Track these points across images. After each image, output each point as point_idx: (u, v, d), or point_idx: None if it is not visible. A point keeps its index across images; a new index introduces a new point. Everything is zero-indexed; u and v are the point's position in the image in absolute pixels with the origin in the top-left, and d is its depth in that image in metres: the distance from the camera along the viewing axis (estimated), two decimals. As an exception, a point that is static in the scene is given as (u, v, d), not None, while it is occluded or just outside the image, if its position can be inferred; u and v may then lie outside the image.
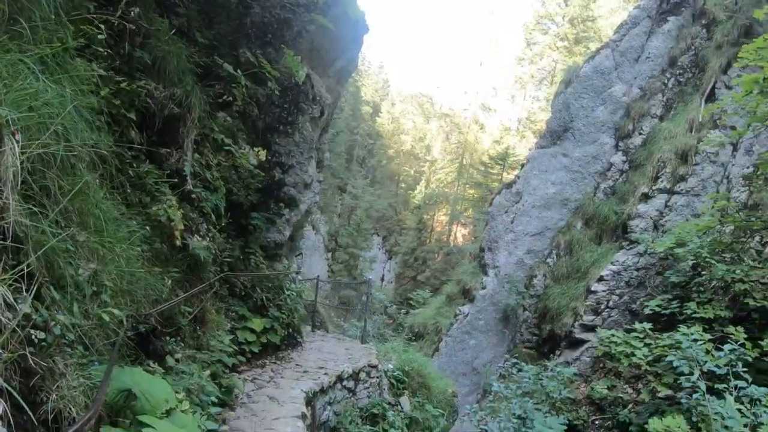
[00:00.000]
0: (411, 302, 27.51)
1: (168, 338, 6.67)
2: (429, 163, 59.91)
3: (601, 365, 16.19)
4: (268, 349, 10.62)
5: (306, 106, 11.09)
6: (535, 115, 49.12)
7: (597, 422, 14.74)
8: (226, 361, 7.73)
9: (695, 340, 9.84)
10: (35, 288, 3.46)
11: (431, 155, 62.44)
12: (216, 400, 6.68)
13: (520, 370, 12.49)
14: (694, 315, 12.61)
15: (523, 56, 57.13)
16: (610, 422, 14.47)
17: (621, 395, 14.70)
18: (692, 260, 13.94)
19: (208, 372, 6.89)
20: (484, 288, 18.21)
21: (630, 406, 14.23)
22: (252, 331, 10.04)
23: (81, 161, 4.79)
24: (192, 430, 4.34)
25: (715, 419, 8.69)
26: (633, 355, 12.37)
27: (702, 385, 8.94)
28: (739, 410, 8.56)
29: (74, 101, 4.28)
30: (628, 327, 13.56)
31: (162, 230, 7.04)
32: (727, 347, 9.24)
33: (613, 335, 13.05)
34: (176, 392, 5.37)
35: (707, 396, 8.99)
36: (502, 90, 61.25)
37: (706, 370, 9.30)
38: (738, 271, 12.69)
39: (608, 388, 15.02)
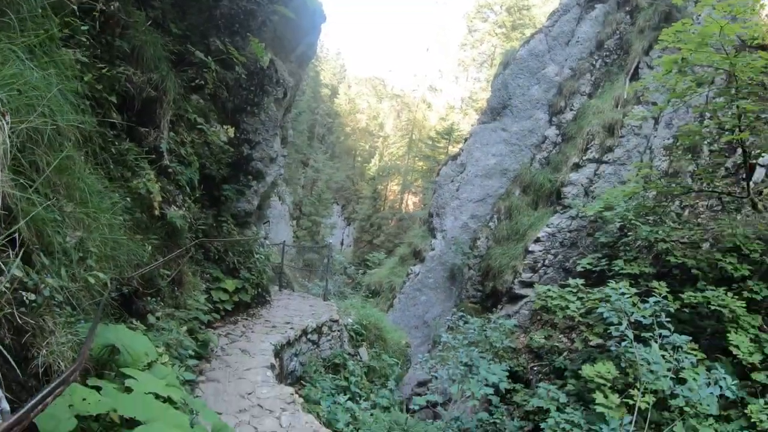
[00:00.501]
0: (368, 263, 27.83)
1: (149, 299, 6.72)
2: (382, 139, 60.10)
3: (539, 318, 16.72)
4: (240, 307, 10.72)
5: (270, 88, 11.17)
6: (477, 95, 49.59)
7: (535, 368, 15.28)
8: (201, 318, 7.82)
9: (623, 294, 10.14)
10: (23, 253, 3.55)
11: (384, 132, 62.65)
12: (193, 354, 6.80)
13: (466, 322, 12.84)
14: (621, 271, 13.07)
15: (466, 42, 57.67)
16: (547, 368, 15.00)
17: (557, 344, 15.23)
18: (619, 222, 14.40)
19: (185, 328, 6.99)
20: (433, 249, 18.53)
21: (565, 353, 14.78)
22: (225, 291, 10.12)
23: (67, 140, 4.81)
24: (171, 380, 4.43)
25: (641, 364, 9.08)
26: (567, 308, 12.78)
27: (630, 333, 9.26)
28: (663, 356, 8.97)
29: (59, 85, 4.34)
30: (563, 283, 14.00)
31: (142, 202, 7.11)
32: (651, 300, 9.56)
33: (549, 290, 13.44)
34: (156, 347, 5.45)
35: (634, 344, 9.34)
36: (447, 72, 61.82)
37: (633, 321, 9.57)
38: (660, 232, 13.15)
39: (545, 338, 15.55)
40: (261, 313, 11.31)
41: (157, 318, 6.72)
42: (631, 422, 8.73)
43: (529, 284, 16.87)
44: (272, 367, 8.18)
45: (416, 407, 10.92)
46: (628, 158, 17.11)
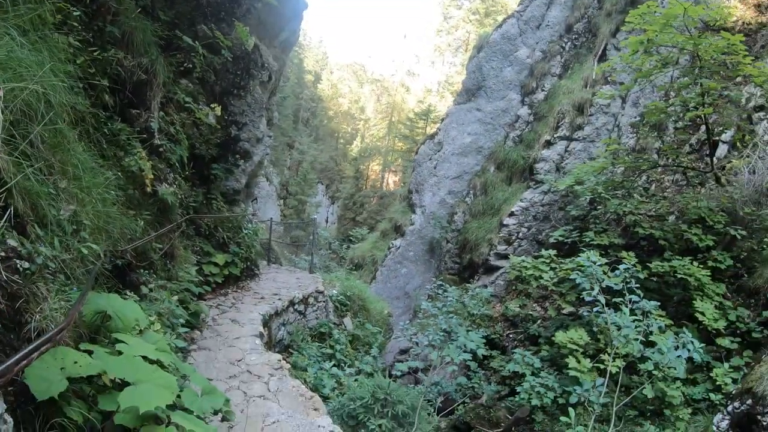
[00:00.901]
0: (351, 239, 27.76)
1: (142, 271, 6.60)
2: (363, 122, 59.76)
3: (514, 288, 16.78)
4: (230, 280, 10.60)
5: (256, 72, 11.02)
6: (453, 78, 49.44)
7: (511, 335, 15.37)
8: (193, 290, 7.70)
9: (594, 262, 10.18)
10: (18, 225, 3.52)
11: (365, 115, 62.31)
12: (184, 323, 6.69)
13: (445, 291, 12.82)
14: (591, 242, 13.11)
15: (441, 28, 57.67)
16: (522, 335, 15.10)
17: (531, 312, 15.31)
18: (589, 196, 14.43)
19: (176, 299, 6.86)
20: (412, 224, 18.48)
21: (539, 321, 14.88)
22: (216, 264, 9.99)
23: (60, 119, 4.78)
24: (162, 346, 4.33)
25: (612, 329, 9.13)
26: (541, 277, 12.82)
27: (601, 298, 9.27)
28: (633, 321, 9.00)
29: (52, 67, 4.38)
30: (536, 254, 14.04)
31: (134, 179, 7.01)
32: (621, 266, 9.56)
33: (523, 261, 13.47)
34: (149, 316, 5.36)
35: (606, 309, 9.38)
36: (424, 58, 61.72)
37: (604, 287, 9.60)
38: (628, 205, 13.22)
39: (520, 307, 15.62)
40: (250, 286, 11.21)
41: (150, 289, 6.60)
42: (603, 384, 8.76)
43: (504, 256, 16.92)
44: (261, 335, 8.10)
45: (398, 373, 11.00)
46: (597, 136, 17.12)
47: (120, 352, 3.55)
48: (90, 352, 3.57)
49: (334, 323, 12.70)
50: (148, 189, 7.17)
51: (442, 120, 20.40)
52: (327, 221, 44.33)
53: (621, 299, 9.25)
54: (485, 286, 17.16)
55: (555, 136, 17.41)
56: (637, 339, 8.67)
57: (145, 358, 3.62)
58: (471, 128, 19.02)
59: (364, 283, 17.81)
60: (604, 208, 14.11)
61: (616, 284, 9.49)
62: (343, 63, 77.14)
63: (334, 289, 13.65)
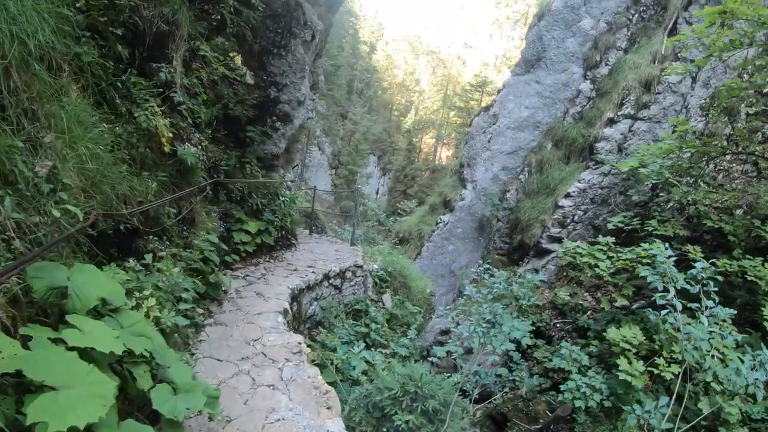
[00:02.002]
0: (399, 211, 26.82)
1: (151, 237, 5.87)
2: (418, 94, 58.03)
3: (565, 274, 15.58)
4: (262, 249, 9.89)
5: (298, 30, 10.14)
6: (510, 52, 47.09)
7: (558, 325, 14.24)
8: (213, 259, 6.94)
9: (669, 257, 8.82)
10: None
11: (420, 87, 60.59)
12: (196, 296, 5.95)
13: (491, 275, 11.74)
14: (654, 232, 11.81)
15: (500, 0, 54.91)
16: (570, 326, 13.98)
17: (581, 302, 14.15)
18: (654, 181, 12.98)
19: (177, 269, 6.08)
20: (462, 200, 17.35)
21: (589, 312, 13.72)
22: (247, 232, 9.27)
23: (50, 66, 4.57)
24: (141, 329, 3.55)
25: (682, 339, 7.92)
26: (596, 266, 11.57)
27: (678, 304, 7.95)
28: (711, 332, 7.77)
29: (37, 7, 4.10)
30: (592, 240, 12.75)
31: (150, 137, 6.25)
32: (699, 265, 8.13)
33: (578, 247, 12.23)
34: (143, 289, 4.60)
35: (678, 314, 8.15)
36: (482, 30, 59.14)
37: (679, 288, 8.30)
38: (695, 194, 11.86)
39: (570, 295, 14.48)
40: (284, 256, 10.47)
41: (160, 258, 5.87)
42: (667, 405, 7.55)
43: (558, 239, 15.67)
44: (285, 312, 7.32)
45: (435, 359, 10.07)
46: (664, 116, 15.54)
47: (58, 342, 2.75)
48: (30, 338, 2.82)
49: (372, 300, 11.89)
50: (166, 148, 6.42)
51: (499, 92, 18.98)
52: (377, 193, 43.44)
53: (697, 305, 7.93)
54: (535, 271, 15.98)
55: (619, 114, 15.86)
56: (710, 353, 7.42)
57: (83, 351, 2.79)
58: (529, 101, 17.58)
59: (409, 258, 16.92)
60: (668, 195, 12.71)
61: (692, 285, 8.09)
62: (399, 34, 75.06)
63: (374, 264, 12.81)
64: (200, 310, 6.23)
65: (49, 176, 4.10)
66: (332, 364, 8.05)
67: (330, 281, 10.22)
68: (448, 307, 16.56)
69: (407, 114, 54.85)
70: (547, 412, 12.03)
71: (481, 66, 51.50)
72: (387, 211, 32.38)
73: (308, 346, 8.65)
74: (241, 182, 9.04)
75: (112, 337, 3.09)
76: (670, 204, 13.13)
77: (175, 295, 5.28)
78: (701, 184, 12.69)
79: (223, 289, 7.27)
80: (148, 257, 5.41)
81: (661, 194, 13.38)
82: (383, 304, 12.07)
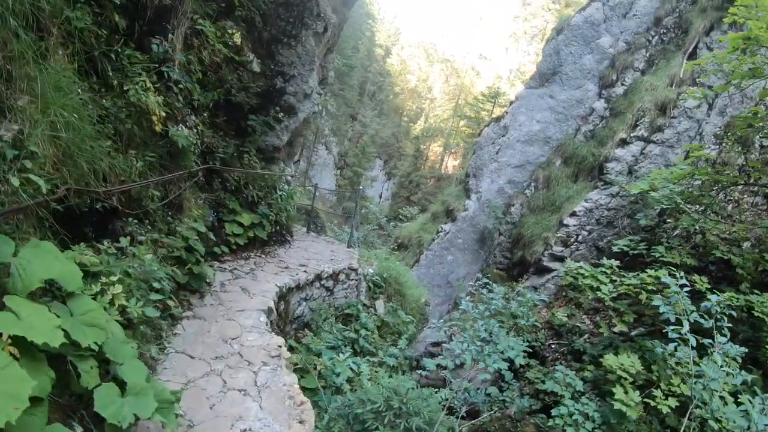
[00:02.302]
0: (401, 217, 26.35)
1: (131, 220, 5.46)
2: (429, 101, 57.50)
3: (564, 294, 15.11)
4: (254, 243, 9.48)
5: (310, 21, 9.77)
6: (525, 67, 46.58)
7: (553, 346, 13.77)
8: (198, 248, 6.52)
9: (682, 286, 8.28)
10: None
11: (432, 94, 60.07)
12: (168, 287, 5.51)
13: (490, 291, 11.26)
14: (660, 258, 11.34)
15: (518, 14, 54.99)
16: (565, 348, 13.52)
17: (578, 325, 13.69)
18: (664, 206, 12.51)
19: (152, 255, 5.67)
20: (465, 210, 16.88)
21: (586, 336, 13.28)
22: (240, 224, 8.86)
23: (35, 26, 4.29)
24: (94, 318, 3.13)
25: (697, 380, 7.43)
26: (599, 289, 11.10)
27: (692, 340, 7.42)
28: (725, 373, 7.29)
29: None
30: (596, 262, 12.29)
31: (141, 115, 5.84)
32: (714, 298, 7.63)
33: (581, 267, 11.74)
34: (111, 275, 4.19)
35: (688, 350, 7.65)
36: (498, 43, 58.80)
37: (692, 321, 7.74)
38: (703, 223, 11.44)
39: (568, 317, 14.03)
40: (277, 252, 10.05)
41: (139, 242, 5.46)
42: None
43: (560, 258, 15.22)
44: (269, 311, 6.90)
45: (423, 371, 9.61)
46: (678, 141, 15.15)
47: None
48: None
49: (364, 305, 11.46)
50: (157, 127, 6.02)
51: (511, 103, 18.53)
52: (381, 197, 42.95)
53: (709, 340, 7.42)
54: (534, 288, 15.53)
55: (632, 135, 15.44)
56: (718, 393, 6.96)
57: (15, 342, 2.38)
58: (541, 116, 17.13)
59: (406, 265, 16.47)
60: (675, 221, 12.28)
61: (705, 319, 7.59)
62: (415, 40, 74.31)
63: (370, 268, 12.37)
64: (173, 303, 5.79)
65: (14, 141, 3.71)
66: (315, 369, 7.61)
67: (322, 282, 9.79)
68: (441, 319, 16.14)
69: (417, 120, 54.42)
70: (530, 437, 11.58)
71: (494, 78, 50.95)
72: (389, 215, 31.96)
73: (291, 348, 8.23)
74: (237, 171, 8.64)
75: (52, 326, 2.67)
76: (677, 231, 12.71)
77: (148, 284, 4.86)
78: (710, 213, 12.26)
79: (207, 281, 6.85)
80: (125, 241, 5.00)
81: (668, 220, 12.95)
82: (375, 310, 11.63)
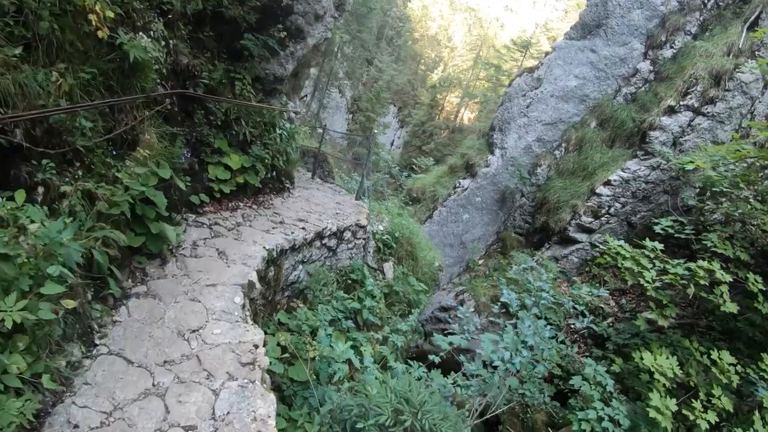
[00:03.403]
0: (414, 167, 24.27)
1: (46, 163, 3.59)
2: (449, 50, 53.86)
3: (587, 269, 13.37)
4: (245, 190, 7.61)
5: None
6: (552, 24, 43.03)
7: (572, 326, 12.15)
8: (158, 200, 4.68)
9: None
10: None
11: (452, 43, 56.21)
12: (59, 272, 3.69)
13: (539, 276, 9.13)
14: (713, 248, 9.47)
15: (551, -38, 50.34)
16: (585, 330, 11.88)
17: (602, 306, 12.02)
18: (726, 189, 10.50)
19: (67, 217, 3.85)
20: (487, 166, 14.86)
21: (610, 320, 11.63)
22: (227, 167, 6.98)
23: None
24: None
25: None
26: (641, 275, 9.28)
27: None
28: None
29: None
30: (636, 242, 10.39)
31: (76, 13, 3.89)
32: None
33: (621, 247, 9.86)
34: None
35: None
36: (526, -7, 54.89)
37: None
38: (763, 215, 9.61)
39: (592, 296, 12.34)
40: (272, 203, 8.20)
41: (62, 195, 3.62)
42: None
43: (588, 230, 13.39)
44: (249, 287, 5.11)
45: (437, 358, 7.79)
46: (729, 117, 13.13)
47: None
48: None
49: (371, 268, 9.72)
50: (100, 33, 4.06)
51: (547, 54, 16.16)
52: (392, 144, 40.61)
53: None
54: (555, 259, 13.76)
55: (681, 103, 13.30)
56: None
57: None
58: (579, 71, 14.84)
59: (418, 221, 14.65)
60: (717, 205, 10.42)
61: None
62: (439, -15, 69.78)
63: (380, 224, 10.56)
64: (114, 281, 4.00)
65: None
66: (308, 356, 5.89)
67: (323, 241, 8.00)
68: (451, 282, 14.45)
69: (435, 69, 51.26)
70: (547, 426, 10.06)
71: (519, 32, 47.43)
72: (399, 164, 29.89)
73: (281, 323, 6.52)
74: (224, 102, 6.66)
75: None
76: (715, 215, 10.94)
77: (48, 261, 3.04)
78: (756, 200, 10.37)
79: (169, 246, 5.03)
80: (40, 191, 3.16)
81: (708, 203, 11.12)
82: (383, 275, 9.90)
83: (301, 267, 7.39)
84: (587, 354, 11.77)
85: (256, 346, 4.12)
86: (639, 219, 13.36)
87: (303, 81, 10.05)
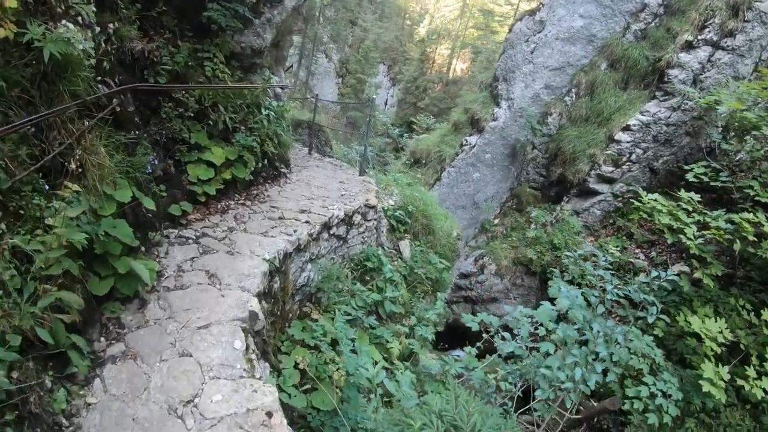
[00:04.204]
0: (414, 126, 22.82)
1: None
2: (435, 1, 51.36)
3: (611, 221, 12.27)
4: (235, 186, 6.47)
5: None
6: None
7: (603, 287, 11.13)
8: (121, 233, 3.57)
9: None
10: None
11: (437, -7, 53.83)
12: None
13: (607, 264, 7.79)
14: (754, 197, 8.36)
15: None
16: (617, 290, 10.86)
17: (632, 260, 10.95)
18: (762, 132, 9.33)
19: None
20: (495, 120, 13.55)
21: (641, 276, 10.61)
22: (209, 164, 5.82)
23: None
24: None
25: None
26: (681, 231, 8.19)
27: None
28: None
29: None
30: (673, 194, 9.26)
31: None
32: None
33: (656, 200, 8.73)
34: None
35: None
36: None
37: None
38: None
39: (619, 250, 11.28)
40: (268, 194, 7.05)
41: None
42: None
43: (609, 180, 12.25)
44: (251, 320, 4.03)
45: (473, 349, 6.76)
46: (749, 50, 11.80)
47: None
48: None
49: (388, 249, 8.66)
50: (3, 32, 2.86)
51: (547, -7, 14.60)
52: (386, 104, 38.86)
53: None
54: (575, 213, 12.67)
55: (699, 38, 11.91)
56: None
57: None
58: (584, 9, 13.26)
59: (426, 184, 13.51)
60: (740, 143, 9.35)
61: None
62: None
63: (390, 199, 9.45)
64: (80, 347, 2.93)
65: None
66: (331, 379, 4.90)
67: (332, 232, 6.90)
68: (467, 245, 13.40)
69: (421, 23, 48.70)
70: (589, 400, 9.16)
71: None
72: (395, 123, 28.44)
73: (289, 341, 5.49)
74: (188, 89, 5.44)
75: None
76: (740, 155, 9.91)
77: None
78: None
79: (143, 288, 3.92)
80: None
81: (731, 142, 10.06)
82: (400, 254, 8.85)
83: (309, 266, 6.32)
84: (622, 315, 10.82)
85: (270, 414, 3.07)
86: (661, 164, 12.21)
87: (286, 50, 8.72)
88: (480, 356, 6.40)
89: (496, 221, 13.62)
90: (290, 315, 5.98)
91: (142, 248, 4.29)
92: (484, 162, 13.59)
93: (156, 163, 4.69)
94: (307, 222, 6.26)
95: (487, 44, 31.20)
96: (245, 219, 5.98)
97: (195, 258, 4.77)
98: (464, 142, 13.92)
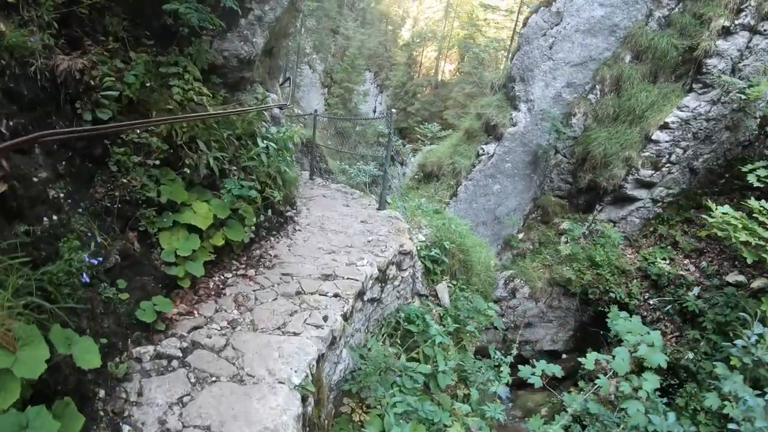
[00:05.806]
0: (419, 137, 20.69)
1: None
2: (418, 2, 48.87)
3: (651, 229, 10.45)
4: (230, 251, 4.46)
5: None
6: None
7: (652, 302, 9.35)
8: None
9: None
10: None
11: (419, -5, 51.41)
12: None
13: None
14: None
15: None
16: (670, 306, 9.06)
17: (682, 272, 9.17)
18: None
19: None
20: (514, 125, 11.49)
21: (695, 289, 8.82)
22: (192, 229, 3.79)
23: None
24: None
25: None
26: (765, 250, 6.40)
27: None
28: None
29: None
30: (743, 203, 7.48)
31: None
32: None
33: (726, 214, 6.97)
34: None
35: None
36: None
37: None
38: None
39: (667, 262, 9.50)
40: (276, 252, 5.03)
41: None
42: None
43: (648, 184, 10.45)
44: None
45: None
46: None
47: None
48: None
49: (422, 296, 6.69)
50: None
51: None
52: (375, 111, 36.74)
53: None
54: (611, 222, 10.80)
55: (736, 23, 10.16)
56: None
57: None
58: (604, -4, 11.44)
59: (440, 201, 11.57)
60: None
61: None
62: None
63: (419, 233, 7.46)
64: None
65: None
66: None
67: (365, 297, 4.93)
68: (501, 265, 11.46)
69: (403, 26, 46.50)
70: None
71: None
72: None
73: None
74: (139, 125, 3.40)
75: None
76: None
77: None
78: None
79: None
80: None
81: None
82: (438, 301, 6.89)
83: (344, 354, 4.35)
84: (677, 335, 9.01)
85: None
86: (701, 163, 10.45)
87: (280, 59, 6.68)
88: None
89: (521, 236, 11.69)
90: (326, 422, 4.02)
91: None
92: (505, 172, 11.63)
93: (102, 249, 2.67)
94: (336, 296, 4.29)
95: (474, 44, 29.09)
96: (250, 302, 3.98)
97: (185, 399, 2.77)
98: (481, 152, 11.94)
